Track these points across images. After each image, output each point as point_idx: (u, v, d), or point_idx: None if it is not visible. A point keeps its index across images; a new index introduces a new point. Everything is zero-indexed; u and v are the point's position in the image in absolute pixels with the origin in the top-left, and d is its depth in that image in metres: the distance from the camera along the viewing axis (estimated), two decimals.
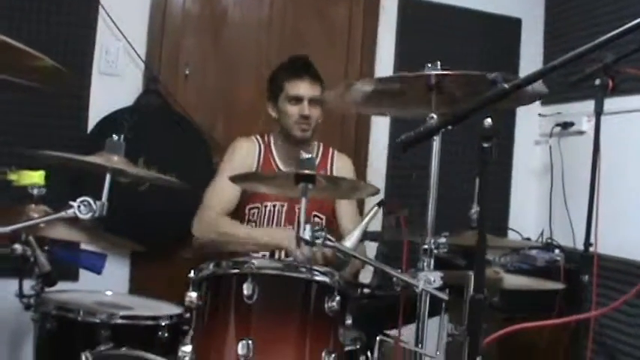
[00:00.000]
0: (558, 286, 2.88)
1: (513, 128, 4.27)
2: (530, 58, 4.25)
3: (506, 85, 1.57)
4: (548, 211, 4.02)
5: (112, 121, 3.46)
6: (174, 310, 2.58)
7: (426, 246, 2.12)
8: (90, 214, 1.83)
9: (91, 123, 3.50)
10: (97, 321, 2.37)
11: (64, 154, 2.12)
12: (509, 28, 4.28)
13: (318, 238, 1.92)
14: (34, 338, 2.51)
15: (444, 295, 2.04)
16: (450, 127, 1.84)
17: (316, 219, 3.04)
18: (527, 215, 4.26)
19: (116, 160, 2.02)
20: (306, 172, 1.99)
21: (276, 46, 3.85)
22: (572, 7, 4.07)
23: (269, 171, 3.07)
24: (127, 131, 3.22)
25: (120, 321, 2.41)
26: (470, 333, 1.61)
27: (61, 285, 2.51)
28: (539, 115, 4.18)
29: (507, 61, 4.20)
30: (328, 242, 1.94)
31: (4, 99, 3.29)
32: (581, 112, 3.81)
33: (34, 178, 2.38)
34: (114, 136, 2.08)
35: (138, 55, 3.59)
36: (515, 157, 4.32)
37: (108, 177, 1.93)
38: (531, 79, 1.65)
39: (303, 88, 3.04)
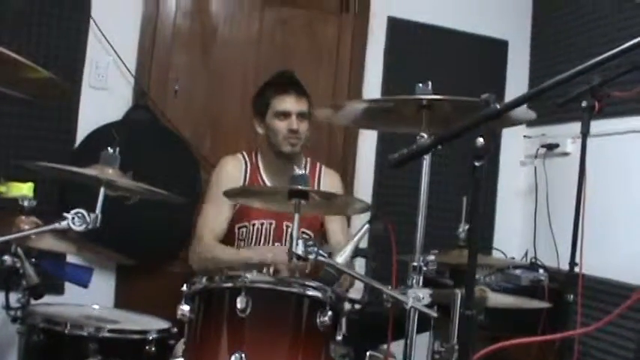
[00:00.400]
0: (544, 305, 2.90)
1: (499, 149, 4.30)
2: (517, 80, 4.30)
3: (497, 106, 1.60)
4: (532, 231, 4.05)
5: (101, 135, 3.45)
6: (161, 324, 2.59)
7: (415, 263, 2.14)
8: (84, 226, 1.83)
9: (80, 136, 3.50)
10: (85, 334, 2.38)
11: (60, 166, 2.12)
12: (496, 50, 4.33)
13: (310, 253, 1.94)
14: (19, 351, 2.49)
15: (432, 312, 2.06)
16: (440, 147, 1.88)
17: (304, 236, 3.04)
18: (512, 235, 4.28)
19: (111, 173, 2.03)
20: (300, 187, 2.01)
21: (265, 63, 3.86)
22: (559, 31, 4.13)
23: (262, 186, 3.08)
24: (116, 145, 3.22)
25: (107, 334, 2.41)
26: (460, 349, 1.63)
27: (47, 298, 2.50)
28: (525, 136, 4.22)
29: (494, 82, 4.24)
30: (321, 257, 1.96)
31: None
32: (565, 133, 3.86)
33: (23, 190, 2.39)
34: (109, 148, 2.09)
35: (128, 69, 3.60)
36: (501, 177, 4.34)
37: (102, 189, 1.93)
38: (521, 100, 1.68)
39: (290, 103, 3.04)
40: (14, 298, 2.42)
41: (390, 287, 2.08)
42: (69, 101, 3.43)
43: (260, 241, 3.06)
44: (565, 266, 2.88)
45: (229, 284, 2.01)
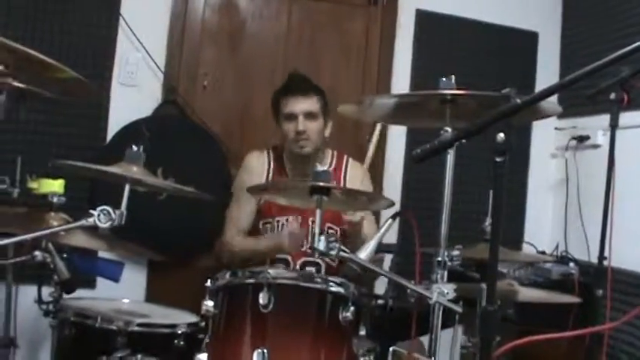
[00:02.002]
0: (573, 299, 2.88)
1: (529, 142, 4.27)
2: (547, 71, 4.26)
3: (518, 100, 1.59)
4: (563, 224, 4.02)
5: (131, 131, 3.48)
6: (190, 318, 2.62)
7: (439, 258, 2.14)
8: (109, 223, 1.86)
9: (110, 133, 3.54)
10: (114, 328, 2.41)
11: (85, 164, 2.16)
12: (525, 41, 4.29)
13: (332, 249, 1.95)
14: (52, 343, 2.55)
15: (457, 308, 2.06)
16: (463, 141, 1.87)
17: (330, 231, 3.03)
18: (543, 228, 4.26)
19: (135, 171, 2.05)
20: (321, 184, 2.02)
21: (293, 58, 3.87)
22: (589, 22, 4.08)
23: (284, 181, 3.10)
24: (146, 141, 3.26)
25: (137, 328, 2.44)
26: (482, 344, 1.62)
27: (79, 292, 2.55)
28: (555, 128, 4.18)
29: (524, 74, 4.21)
30: (343, 253, 1.96)
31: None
32: (596, 125, 3.81)
33: (54, 186, 2.43)
34: (133, 146, 2.11)
35: (157, 65, 3.63)
36: (531, 170, 4.32)
37: (127, 187, 1.96)
38: (544, 94, 1.66)
39: (294, 104, 3.08)
40: (47, 292, 2.47)
41: (413, 282, 2.08)
42: (98, 99, 3.47)
43: None
44: (596, 260, 2.86)
45: (252, 280, 2.04)
